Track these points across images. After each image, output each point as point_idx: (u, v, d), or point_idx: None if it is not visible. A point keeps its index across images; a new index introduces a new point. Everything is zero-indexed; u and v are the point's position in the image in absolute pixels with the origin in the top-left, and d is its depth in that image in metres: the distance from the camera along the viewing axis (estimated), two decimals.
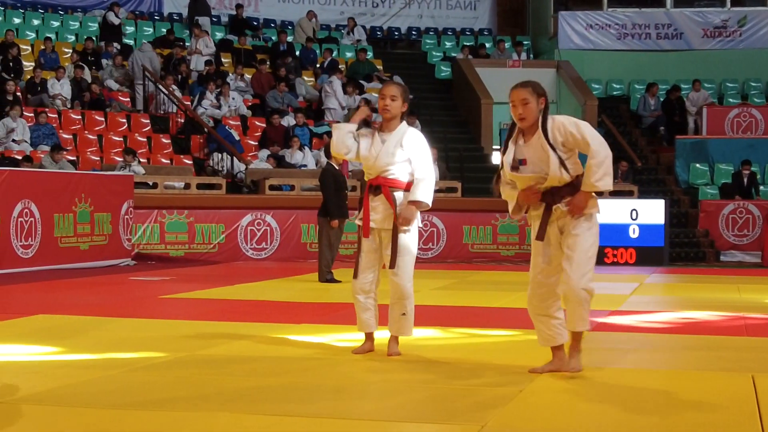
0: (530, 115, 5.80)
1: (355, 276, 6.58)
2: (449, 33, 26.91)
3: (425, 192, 6.39)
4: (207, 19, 23.98)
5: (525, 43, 25.80)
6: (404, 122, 6.52)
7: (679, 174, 20.44)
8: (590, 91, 23.10)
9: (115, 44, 22.01)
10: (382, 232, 6.44)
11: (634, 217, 16.39)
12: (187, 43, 22.95)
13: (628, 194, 17.84)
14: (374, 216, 6.44)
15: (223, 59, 22.87)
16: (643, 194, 18.20)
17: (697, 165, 20.30)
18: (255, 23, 25.40)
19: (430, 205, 6.44)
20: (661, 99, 23.09)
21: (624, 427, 4.65)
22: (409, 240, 6.47)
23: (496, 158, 21.84)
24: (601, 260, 16.16)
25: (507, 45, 25.18)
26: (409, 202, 6.39)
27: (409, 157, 6.40)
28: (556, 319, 5.97)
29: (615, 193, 17.78)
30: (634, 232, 16.36)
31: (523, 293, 11.20)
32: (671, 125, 22.24)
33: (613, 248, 16.36)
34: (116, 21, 22.52)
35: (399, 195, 6.41)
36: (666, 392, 5.52)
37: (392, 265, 6.39)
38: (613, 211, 16.41)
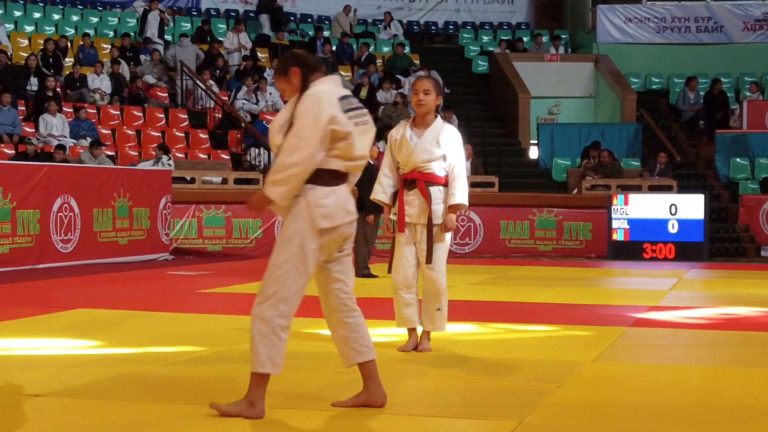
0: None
1: (390, 271, 6.56)
2: (486, 27, 26.81)
3: (463, 193, 6.38)
4: (266, 17, 24.22)
5: (563, 37, 25.65)
6: (439, 117, 6.49)
7: (719, 168, 20.23)
8: (629, 85, 22.93)
9: (157, 40, 22.14)
10: (418, 226, 6.42)
11: (673, 212, 16.25)
12: (221, 38, 23.04)
13: (667, 189, 17.69)
14: (409, 210, 6.41)
15: (259, 54, 22.94)
16: (683, 189, 18.03)
17: (738, 159, 20.09)
18: (292, 18, 25.44)
19: (468, 204, 6.44)
20: (701, 93, 22.89)
21: (663, 424, 4.60)
22: (444, 236, 6.45)
23: (533, 153, 21.77)
24: (640, 255, 16.12)
25: (545, 39, 25.04)
26: (450, 206, 6.36)
27: (445, 154, 6.37)
28: None
29: (654, 188, 17.67)
30: (673, 228, 16.23)
31: (562, 289, 11.18)
32: (713, 119, 22.03)
33: (651, 243, 16.23)
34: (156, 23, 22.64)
35: (434, 189, 6.38)
36: (706, 389, 5.47)
37: (429, 260, 6.36)
38: (652, 206, 16.31)
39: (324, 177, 4.56)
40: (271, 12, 24.37)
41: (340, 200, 4.61)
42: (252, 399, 4.52)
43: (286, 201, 4.55)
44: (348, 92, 4.70)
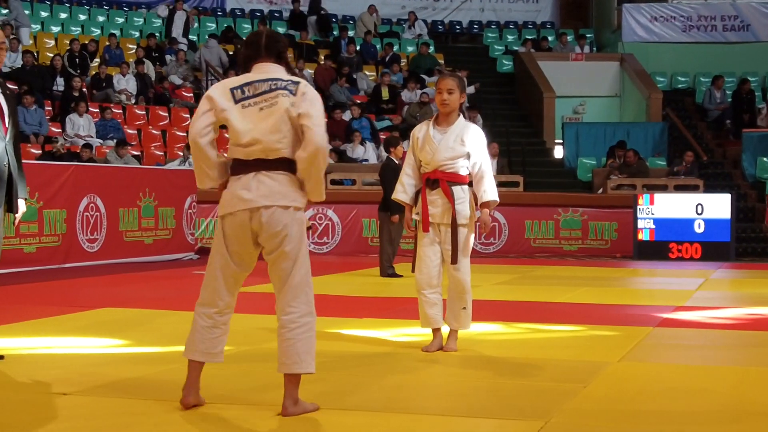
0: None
1: (413, 270, 6.56)
2: (511, 26, 26.76)
3: (492, 190, 6.37)
4: (314, 19, 24.34)
5: (588, 36, 25.57)
6: (462, 116, 6.46)
7: (746, 168, 20.09)
8: (655, 84, 22.82)
9: (181, 40, 22.24)
10: (441, 226, 6.40)
11: (699, 211, 16.16)
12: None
13: (693, 188, 17.59)
14: (433, 210, 6.39)
15: None
16: (709, 189, 17.93)
17: (765, 159, 19.93)
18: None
19: (499, 201, 6.43)
20: (727, 92, 22.74)
21: (690, 425, 4.57)
22: (469, 234, 6.43)
23: (558, 152, 21.70)
24: (665, 255, 16.03)
25: (570, 38, 24.97)
26: (481, 204, 6.35)
27: (469, 152, 6.34)
28: None
29: (680, 188, 17.58)
30: (699, 227, 16.14)
31: (587, 289, 11.13)
32: (739, 119, 21.88)
33: (678, 243, 16.15)
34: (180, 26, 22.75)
35: (457, 189, 6.36)
36: (732, 390, 5.43)
37: (454, 260, 6.35)
38: (678, 205, 16.22)
39: (234, 166, 4.63)
40: (319, 15, 24.48)
41: (237, 188, 4.57)
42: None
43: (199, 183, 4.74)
44: (258, 78, 4.58)
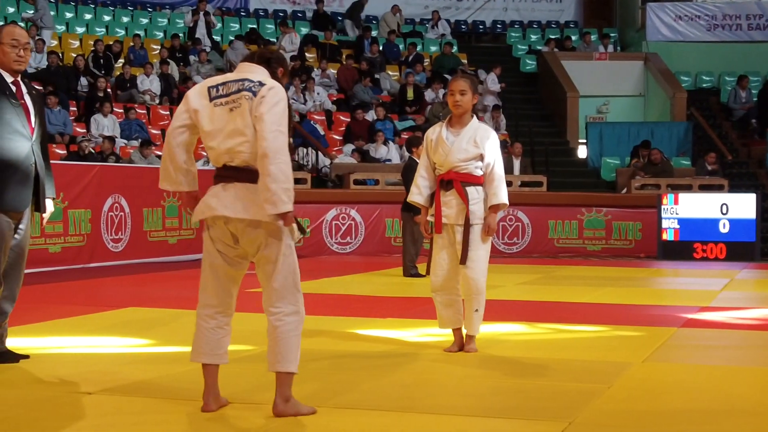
0: None
1: (427, 272, 6.58)
2: (534, 26, 26.69)
3: (502, 192, 6.33)
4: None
5: (612, 35, 25.47)
6: (475, 117, 6.44)
7: None
8: (679, 84, 22.71)
9: (205, 41, 22.31)
10: (456, 227, 6.38)
11: (724, 211, 16.07)
12: (271, 39, 23.17)
13: (718, 188, 17.50)
14: (447, 211, 6.38)
15: (307, 54, 23.02)
16: (734, 188, 17.83)
17: None
18: (339, 18, 25.51)
19: (508, 204, 6.40)
20: (753, 91, 22.60)
21: (715, 426, 4.55)
22: (483, 234, 6.40)
23: (582, 152, 21.63)
24: (690, 255, 15.95)
25: (593, 37, 24.88)
26: (491, 206, 6.33)
27: (482, 153, 6.33)
28: None
29: (705, 188, 17.48)
30: (724, 227, 16.05)
31: (611, 289, 11.09)
32: (765, 118, 21.73)
33: (702, 243, 16.06)
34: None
35: (471, 190, 6.34)
36: (758, 391, 5.40)
37: (463, 260, 6.33)
38: (702, 205, 16.13)
39: (214, 177, 4.61)
40: (355, 18, 24.56)
41: (207, 196, 4.56)
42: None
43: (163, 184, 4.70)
44: (233, 78, 4.54)
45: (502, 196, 6.32)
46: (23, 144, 5.77)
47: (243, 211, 4.47)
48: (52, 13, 21.86)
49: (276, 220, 4.43)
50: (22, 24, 20.15)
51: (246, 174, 4.47)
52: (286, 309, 4.53)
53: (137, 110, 18.77)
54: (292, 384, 4.55)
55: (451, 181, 6.35)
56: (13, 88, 5.80)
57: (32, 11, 21.32)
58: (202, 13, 22.76)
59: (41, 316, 7.99)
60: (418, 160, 12.02)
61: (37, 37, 19.77)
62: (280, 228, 4.50)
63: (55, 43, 21.15)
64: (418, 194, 6.51)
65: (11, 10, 22.10)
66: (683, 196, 16.29)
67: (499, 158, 6.39)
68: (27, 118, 5.81)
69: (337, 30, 24.57)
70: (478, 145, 6.31)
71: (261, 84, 4.49)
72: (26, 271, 6.09)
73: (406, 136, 15.64)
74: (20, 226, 5.87)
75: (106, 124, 17.74)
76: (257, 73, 4.57)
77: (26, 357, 5.96)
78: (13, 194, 5.74)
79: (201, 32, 22.63)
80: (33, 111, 5.88)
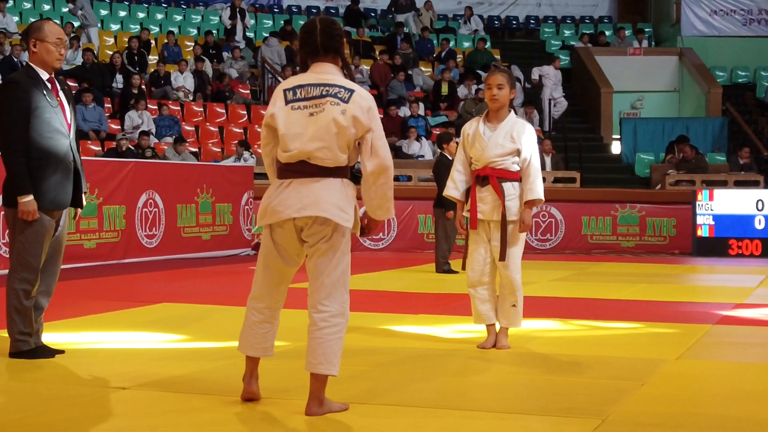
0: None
1: (464, 268, 6.55)
2: (568, 21, 26.58)
3: (537, 188, 6.28)
4: (409, 15, 24.38)
5: (646, 30, 25.31)
6: (512, 112, 6.41)
7: None
8: (714, 79, 22.54)
9: (238, 38, 22.40)
10: (491, 223, 6.36)
11: (760, 207, 15.93)
12: None
13: (753, 184, 17.34)
14: (482, 207, 6.35)
15: None
16: None
17: None
18: (372, 14, 25.51)
19: (544, 199, 6.37)
20: None
21: (749, 424, 4.52)
22: (519, 233, 6.38)
23: (616, 148, 21.52)
24: (725, 252, 15.83)
25: (628, 32, 24.74)
26: (526, 202, 6.30)
27: (519, 149, 6.29)
28: None
29: (740, 183, 17.33)
30: (759, 223, 15.91)
31: (645, 285, 11.03)
32: None
33: (737, 240, 15.93)
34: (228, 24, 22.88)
35: (507, 185, 6.31)
36: None
37: (502, 257, 6.31)
38: (738, 201, 16.00)
39: (279, 170, 4.58)
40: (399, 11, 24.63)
41: (272, 200, 4.51)
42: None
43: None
44: (312, 81, 4.48)
45: (538, 191, 6.27)
46: (63, 142, 5.83)
47: (312, 208, 4.43)
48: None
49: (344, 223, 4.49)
50: (57, 21, 20.28)
51: (320, 171, 4.45)
52: (334, 309, 4.47)
53: (171, 107, 18.88)
54: (326, 386, 4.53)
55: (487, 177, 6.31)
56: (49, 86, 5.85)
57: (71, 7, 21.50)
58: (239, 16, 22.77)
59: (76, 312, 8.05)
60: (449, 157, 12.10)
61: (72, 35, 19.91)
62: (348, 226, 4.50)
63: (94, 40, 21.29)
64: (454, 188, 6.48)
65: (47, 7, 22.29)
66: (718, 192, 16.16)
67: (536, 153, 6.34)
68: (63, 115, 5.87)
69: (370, 26, 24.57)
70: (515, 140, 6.27)
71: (349, 90, 4.44)
72: (62, 266, 6.15)
73: (439, 133, 15.62)
74: (59, 223, 5.94)
75: (140, 121, 17.84)
76: (335, 74, 4.50)
77: (62, 352, 6.02)
78: (55, 193, 5.82)
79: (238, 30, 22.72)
80: (68, 107, 5.94)
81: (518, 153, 6.28)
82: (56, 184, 5.81)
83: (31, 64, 5.88)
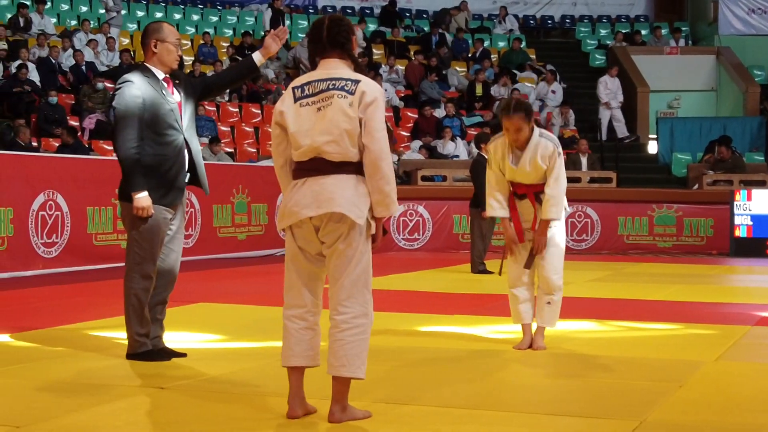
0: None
1: (500, 273, 6.70)
2: (604, 20, 26.44)
3: (556, 209, 6.29)
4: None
5: (683, 29, 25.13)
6: (534, 131, 6.34)
7: None
8: (752, 78, 22.34)
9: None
10: (530, 231, 6.47)
11: None
12: None
13: None
14: (523, 217, 6.51)
15: (375, 50, 23.05)
16: None
17: None
18: (407, 14, 25.51)
19: (561, 219, 6.38)
20: None
21: None
22: (555, 233, 6.39)
23: (652, 147, 21.38)
24: (763, 252, 15.67)
25: (664, 32, 24.57)
26: (542, 221, 6.32)
27: (545, 170, 6.30)
28: None
29: None
30: None
31: (682, 286, 10.94)
32: None
33: None
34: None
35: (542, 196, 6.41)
36: None
37: (528, 265, 6.40)
38: None
39: (293, 171, 4.54)
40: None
41: (289, 201, 4.49)
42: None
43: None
44: (319, 77, 4.43)
45: (551, 212, 6.28)
46: (177, 138, 5.92)
47: (327, 205, 4.35)
48: (123, 12, 22.19)
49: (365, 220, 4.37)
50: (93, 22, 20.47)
51: (332, 167, 4.37)
52: (355, 310, 4.36)
53: (206, 107, 18.97)
54: (349, 391, 4.43)
55: (525, 194, 6.41)
56: (165, 84, 5.94)
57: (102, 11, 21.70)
58: (280, 18, 22.86)
59: (114, 311, 8.09)
60: (485, 155, 12.05)
61: (108, 35, 20.07)
62: (364, 224, 4.38)
63: (126, 41, 21.46)
64: (500, 208, 6.47)
65: (84, 8, 22.48)
66: (756, 192, 16.00)
67: (559, 176, 6.29)
68: (179, 111, 5.93)
69: (405, 26, 24.56)
70: (540, 165, 6.28)
71: (355, 82, 4.38)
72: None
73: (474, 132, 15.59)
74: (176, 216, 6.07)
75: None
76: (342, 69, 4.44)
77: (184, 355, 6.00)
78: (170, 191, 5.92)
79: (269, 29, 22.80)
80: (184, 102, 6.00)
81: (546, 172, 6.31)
82: (169, 182, 5.90)
83: (147, 64, 5.97)
